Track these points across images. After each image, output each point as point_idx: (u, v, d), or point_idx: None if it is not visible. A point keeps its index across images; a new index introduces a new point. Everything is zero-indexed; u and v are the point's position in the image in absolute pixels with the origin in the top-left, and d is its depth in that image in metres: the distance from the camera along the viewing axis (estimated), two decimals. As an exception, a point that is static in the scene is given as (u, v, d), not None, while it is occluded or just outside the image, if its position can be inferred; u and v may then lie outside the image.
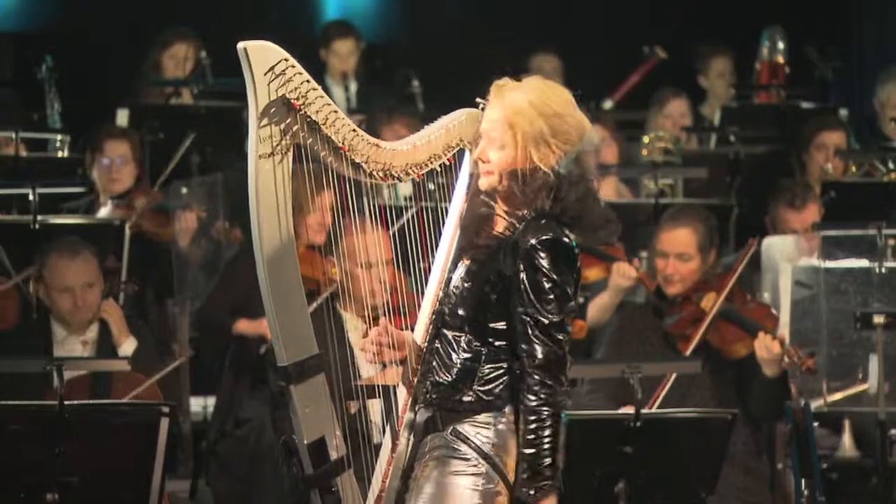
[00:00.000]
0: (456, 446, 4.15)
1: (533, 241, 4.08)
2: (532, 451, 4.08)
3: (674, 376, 6.12)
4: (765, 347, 6.15)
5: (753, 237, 6.68)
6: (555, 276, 4.07)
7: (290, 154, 4.19)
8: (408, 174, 4.27)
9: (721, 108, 9.39)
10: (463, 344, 4.17)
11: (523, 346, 4.09)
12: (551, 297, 4.07)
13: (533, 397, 4.07)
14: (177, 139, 7.98)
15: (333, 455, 4.25)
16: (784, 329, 6.66)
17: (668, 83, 9.40)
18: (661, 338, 6.41)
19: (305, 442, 4.24)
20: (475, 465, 4.13)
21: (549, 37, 10.28)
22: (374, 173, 4.24)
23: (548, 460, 4.08)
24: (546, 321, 4.07)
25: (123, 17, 10.20)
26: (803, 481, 5.97)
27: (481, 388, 4.15)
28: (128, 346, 6.32)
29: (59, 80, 8.96)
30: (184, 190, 7.61)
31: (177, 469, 7.03)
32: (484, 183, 4.17)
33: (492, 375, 4.16)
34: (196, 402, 7.44)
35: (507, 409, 4.15)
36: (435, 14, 11.09)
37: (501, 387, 4.15)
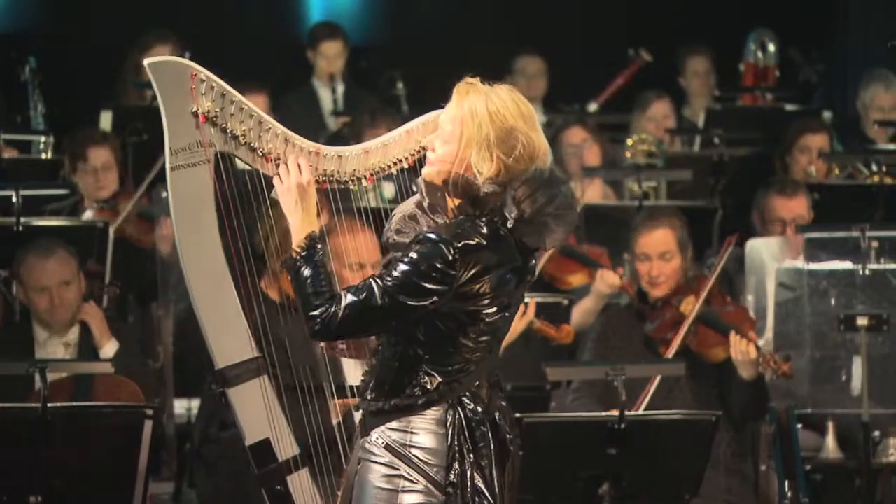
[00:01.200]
0: (372, 450, 4.13)
1: (426, 233, 4.06)
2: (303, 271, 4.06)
3: (658, 378, 6.13)
4: (739, 350, 6.17)
5: (732, 236, 6.69)
6: (416, 261, 4.02)
7: (209, 165, 4.25)
8: (358, 180, 4.26)
9: (705, 110, 9.40)
10: (386, 345, 4.17)
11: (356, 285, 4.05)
12: (406, 270, 4.02)
13: (325, 300, 4.03)
14: (160, 141, 7.95)
15: (281, 456, 4.29)
16: (769, 332, 6.68)
17: (654, 86, 9.41)
18: (643, 342, 6.42)
19: (247, 443, 4.32)
20: (390, 466, 4.11)
21: (533, 39, 10.29)
22: (315, 180, 4.21)
23: (296, 265, 4.05)
24: (383, 282, 4.02)
25: (107, 18, 10.19)
26: (787, 483, 5.99)
27: (389, 387, 4.13)
28: (109, 348, 6.32)
29: (43, 81, 8.95)
30: (164, 194, 7.60)
31: (160, 472, 7.01)
32: (425, 171, 4.16)
33: (400, 375, 4.13)
34: (180, 404, 7.42)
35: (427, 412, 4.12)
36: (419, 15, 11.10)
37: (411, 386, 4.12)
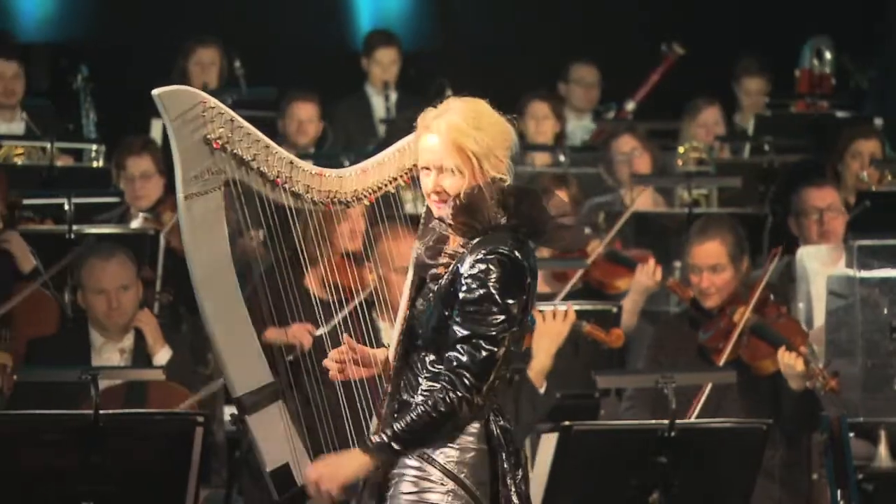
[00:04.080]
0: (422, 467, 4.15)
1: (482, 254, 4.09)
2: (405, 419, 4.08)
3: (709, 387, 6.12)
4: (786, 363, 6.14)
5: (780, 245, 6.67)
6: (495, 291, 4.06)
7: (220, 191, 4.29)
8: (358, 199, 4.34)
9: (755, 116, 9.37)
10: (427, 364, 4.18)
11: (450, 353, 4.08)
12: (489, 310, 4.06)
13: (440, 388, 4.06)
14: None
15: (300, 480, 4.29)
16: (818, 340, 6.64)
17: (704, 88, 9.40)
18: (697, 350, 6.40)
19: (268, 469, 4.32)
20: (441, 484, 4.13)
21: (581, 43, 10.30)
22: (319, 201, 4.31)
23: (406, 435, 4.07)
24: (478, 333, 4.06)
25: (159, 26, 10.25)
26: (839, 492, 5.95)
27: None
28: (162, 355, 6.35)
29: (94, 89, 9.01)
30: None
31: (210, 479, 7.04)
32: (441, 212, 4.18)
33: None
34: (230, 411, 7.44)
35: (470, 428, 4.15)
36: (467, 21, 11.11)
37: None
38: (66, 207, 6.93)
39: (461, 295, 4.09)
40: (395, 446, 4.09)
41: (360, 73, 9.84)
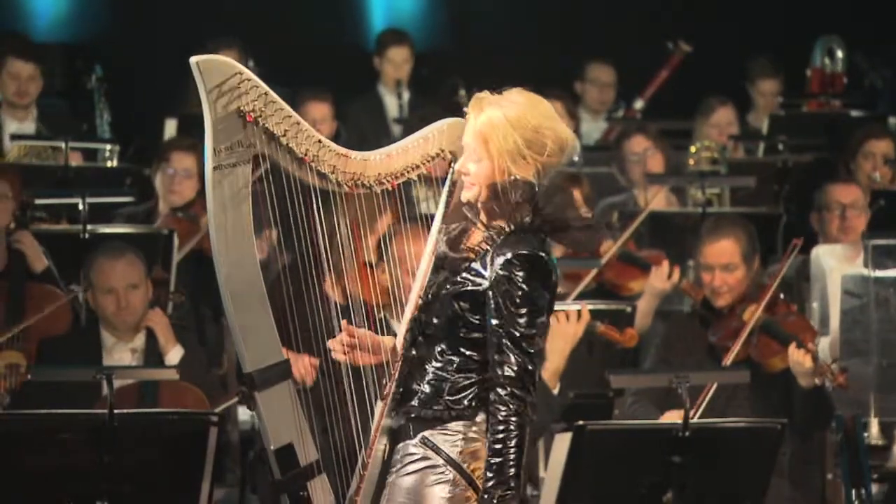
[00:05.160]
0: (427, 455, 4.17)
1: (509, 255, 4.10)
2: (499, 459, 4.10)
3: (714, 386, 6.09)
4: (795, 360, 6.12)
5: (797, 240, 6.65)
6: (528, 290, 4.08)
7: (249, 166, 4.26)
8: (381, 183, 4.32)
9: (769, 116, 9.35)
10: (436, 353, 4.20)
11: (495, 357, 4.10)
12: (524, 310, 4.09)
13: (503, 408, 4.09)
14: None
15: (303, 461, 4.29)
16: (832, 339, 6.62)
17: (713, 87, 9.38)
18: (707, 349, 6.38)
19: (272, 448, 4.29)
20: (444, 473, 4.15)
21: (592, 41, 10.28)
22: (343, 183, 4.29)
23: (513, 470, 4.09)
24: (518, 334, 4.08)
25: (173, 26, 10.25)
26: (853, 492, 5.93)
27: (451, 398, 4.17)
28: (174, 354, 6.35)
29: (109, 90, 9.00)
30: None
31: (224, 478, 7.04)
32: (466, 195, 4.20)
33: (462, 384, 4.17)
34: (244, 411, 7.43)
35: (477, 418, 4.18)
36: (480, 20, 11.09)
37: (471, 396, 4.17)
38: (81, 207, 6.92)
39: (495, 299, 4.11)
40: (513, 486, 4.10)
41: (373, 72, 9.83)
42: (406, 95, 9.69)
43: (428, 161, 4.33)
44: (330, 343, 4.35)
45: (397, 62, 9.68)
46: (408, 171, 4.34)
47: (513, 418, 4.09)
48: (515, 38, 10.83)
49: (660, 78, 9.99)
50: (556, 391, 6.00)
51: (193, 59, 4.22)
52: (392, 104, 9.69)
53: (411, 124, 8.30)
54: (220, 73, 4.21)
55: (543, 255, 4.11)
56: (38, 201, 7.19)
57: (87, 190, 7.05)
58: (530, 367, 4.10)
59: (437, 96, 9.70)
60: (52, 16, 10.74)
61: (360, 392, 4.38)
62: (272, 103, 4.24)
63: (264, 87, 4.25)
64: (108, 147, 8.37)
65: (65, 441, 5.41)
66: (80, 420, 5.45)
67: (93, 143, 8.56)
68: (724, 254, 6.39)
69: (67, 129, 8.32)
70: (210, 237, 4.27)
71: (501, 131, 4.11)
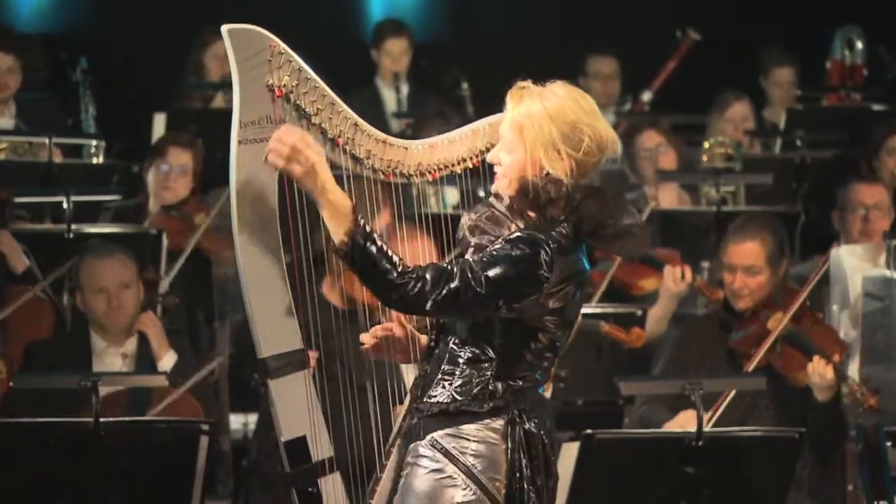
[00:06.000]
0: (435, 457, 4.18)
1: (520, 232, 4.11)
2: (380, 253, 4.04)
3: (733, 393, 6.11)
4: (816, 372, 6.13)
5: (829, 246, 6.66)
6: (515, 253, 4.06)
7: None
8: (422, 174, 4.30)
9: (787, 110, 9.36)
10: (451, 346, 4.21)
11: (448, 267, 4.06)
12: (501, 267, 4.05)
13: (410, 274, 4.03)
14: (217, 145, 8.00)
15: (316, 456, 4.28)
16: (853, 342, 6.64)
17: (726, 81, 9.40)
18: (726, 353, 6.39)
19: (283, 439, 4.27)
20: (452, 477, 4.15)
21: (596, 33, 10.29)
22: (380, 169, 4.27)
23: (363, 253, 4.01)
24: (477, 265, 4.04)
25: (161, 17, 10.26)
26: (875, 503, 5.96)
27: (459, 393, 4.17)
28: (167, 360, 6.36)
29: (94, 82, 9.01)
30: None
31: (216, 489, 7.07)
32: (496, 185, 4.22)
33: (474, 380, 4.17)
34: (237, 420, 7.47)
35: (495, 422, 4.17)
36: (482, 11, 11.11)
37: (484, 394, 4.16)
38: (65, 206, 6.94)
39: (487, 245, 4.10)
40: (348, 244, 4.04)
41: (372, 65, 9.84)
42: (405, 89, 9.70)
43: (476, 156, 4.31)
44: (362, 336, 4.35)
45: (395, 54, 9.69)
46: (453, 165, 4.31)
47: (408, 279, 4.02)
48: (518, 28, 10.84)
49: (668, 68, 10.01)
50: (547, 394, 5.98)
51: (225, 28, 4.21)
52: (390, 98, 9.70)
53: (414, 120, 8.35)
54: (251, 44, 4.20)
55: (549, 246, 4.09)
56: (21, 199, 7.19)
57: (71, 188, 7.04)
58: (469, 290, 4.02)
59: (438, 90, 9.73)
60: (33, 4, 10.74)
61: (383, 389, 4.40)
62: (306, 80, 4.22)
63: (300, 61, 4.23)
64: (94, 143, 8.35)
65: (50, 450, 5.42)
66: (64, 428, 5.47)
67: (78, 138, 8.56)
68: (748, 256, 6.39)
69: (51, 125, 8.33)
70: (231, 212, 4.23)
71: (538, 121, 4.13)
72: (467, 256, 4.15)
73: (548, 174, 4.14)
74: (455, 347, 4.21)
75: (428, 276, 4.07)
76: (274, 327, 4.27)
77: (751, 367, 6.24)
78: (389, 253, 4.08)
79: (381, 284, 4.08)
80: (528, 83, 4.19)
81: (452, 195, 7.07)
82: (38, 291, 6.66)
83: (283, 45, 4.23)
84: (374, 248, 4.06)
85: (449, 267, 4.09)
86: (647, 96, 9.98)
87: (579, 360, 6.20)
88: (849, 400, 6.14)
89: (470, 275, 4.07)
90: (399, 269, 4.07)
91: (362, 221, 4.08)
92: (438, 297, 4.06)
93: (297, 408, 4.29)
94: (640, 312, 6.79)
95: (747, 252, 6.39)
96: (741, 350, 6.34)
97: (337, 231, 4.09)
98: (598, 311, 6.70)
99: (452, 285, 4.06)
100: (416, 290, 4.06)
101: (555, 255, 4.12)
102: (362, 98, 9.71)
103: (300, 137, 4.11)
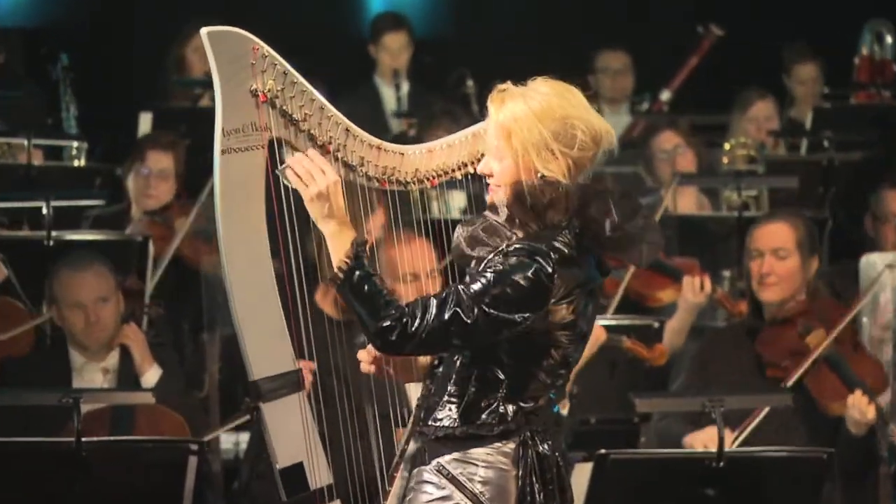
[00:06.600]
0: (440, 483, 4.14)
1: (518, 244, 4.06)
2: (369, 284, 4.02)
3: (767, 409, 6.03)
4: (857, 408, 6.04)
5: (858, 253, 6.61)
6: (509, 270, 4.01)
7: (263, 151, 4.21)
8: (420, 181, 4.27)
9: (813, 109, 9.33)
10: (456, 366, 4.17)
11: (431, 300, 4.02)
12: (497, 285, 4.00)
13: (396, 310, 3.99)
14: (206, 145, 7.95)
15: (314, 484, 4.25)
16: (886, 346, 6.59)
17: (749, 79, 9.38)
18: (754, 364, 6.28)
19: (278, 467, 4.26)
20: (448, 498, 4.11)
21: (611, 28, 10.27)
22: (374, 177, 4.24)
23: (350, 282, 4.00)
24: (464, 294, 3.99)
25: (147, 11, 10.24)
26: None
27: (465, 415, 4.13)
28: (151, 375, 6.35)
29: (76, 80, 8.99)
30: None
31: (205, 512, 7.03)
32: (491, 197, 4.18)
33: (481, 402, 4.13)
34: (227, 439, 7.43)
35: (505, 446, 4.12)
36: (490, 6, 11.09)
37: (493, 416, 4.12)
38: (45, 211, 6.89)
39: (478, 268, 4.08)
40: (343, 272, 4.04)
41: (370, 62, 9.81)
42: (405, 87, 9.67)
43: (477, 160, 4.26)
44: (359, 354, 4.31)
45: (394, 50, 9.67)
46: (452, 171, 4.28)
47: (392, 315, 3.97)
48: (525, 22, 10.83)
49: (689, 66, 9.99)
50: (564, 412, 5.95)
51: (204, 31, 4.18)
52: (389, 96, 9.68)
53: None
54: (232, 47, 4.18)
55: (546, 260, 4.03)
56: (-5, 204, 7.19)
57: (51, 192, 7.03)
58: (456, 320, 3.97)
59: (442, 88, 9.69)
60: (12, -1, 10.75)
61: (385, 412, 4.35)
62: (293, 84, 4.21)
63: (285, 64, 4.21)
64: (76, 144, 8.37)
65: (29, 472, 5.41)
66: (44, 448, 5.46)
67: (58, 139, 8.55)
68: (774, 237, 6.29)
69: (29, 124, 8.29)
70: (217, 226, 4.21)
71: (525, 123, 4.07)
72: (464, 280, 4.08)
73: (543, 177, 4.09)
74: (461, 367, 4.16)
75: (421, 311, 4.01)
76: (266, 347, 4.25)
77: (791, 381, 6.11)
78: (385, 290, 4.04)
79: (369, 315, 4.03)
80: (508, 84, 4.14)
81: (460, 198, 7.02)
82: (29, 318, 6.61)
83: (266, 48, 4.22)
84: (365, 281, 4.04)
85: (435, 299, 4.02)
86: (665, 95, 9.98)
87: (592, 375, 6.15)
88: (894, 439, 6.07)
89: (463, 302, 4.01)
90: (393, 308, 4.02)
91: (366, 253, 4.07)
92: (423, 329, 4.00)
93: (292, 432, 4.26)
94: (657, 325, 6.75)
95: (775, 233, 6.30)
96: (769, 359, 6.21)
97: (339, 247, 4.09)
98: (613, 322, 6.64)
99: (438, 312, 4.00)
100: (398, 330, 4.00)
101: (557, 266, 4.05)
102: (360, 96, 9.68)
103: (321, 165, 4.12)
